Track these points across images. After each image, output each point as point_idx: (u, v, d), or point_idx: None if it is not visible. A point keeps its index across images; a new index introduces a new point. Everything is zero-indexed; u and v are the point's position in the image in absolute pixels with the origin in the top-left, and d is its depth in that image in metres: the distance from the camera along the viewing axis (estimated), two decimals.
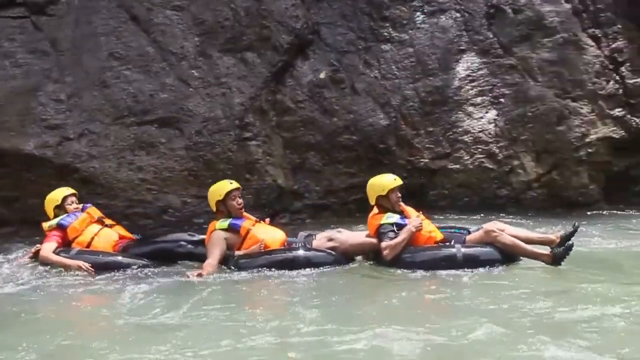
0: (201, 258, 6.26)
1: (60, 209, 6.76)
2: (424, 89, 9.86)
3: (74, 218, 6.65)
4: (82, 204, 6.89)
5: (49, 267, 6.25)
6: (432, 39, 9.92)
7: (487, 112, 9.79)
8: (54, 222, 6.64)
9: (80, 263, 6.19)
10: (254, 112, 9.48)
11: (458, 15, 9.99)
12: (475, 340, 3.74)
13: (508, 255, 5.90)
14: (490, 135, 9.76)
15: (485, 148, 9.74)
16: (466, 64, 9.87)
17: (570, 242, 5.71)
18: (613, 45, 9.76)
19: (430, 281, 5.58)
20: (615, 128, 9.71)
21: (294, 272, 5.86)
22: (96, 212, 6.89)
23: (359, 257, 6.37)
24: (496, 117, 9.78)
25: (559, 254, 5.71)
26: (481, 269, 5.76)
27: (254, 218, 6.52)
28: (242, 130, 9.42)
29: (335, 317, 4.39)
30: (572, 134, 9.69)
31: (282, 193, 9.52)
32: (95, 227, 6.70)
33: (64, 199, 6.80)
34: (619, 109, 9.71)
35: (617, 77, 9.74)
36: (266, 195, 9.31)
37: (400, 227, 6.13)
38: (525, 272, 5.68)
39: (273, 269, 5.91)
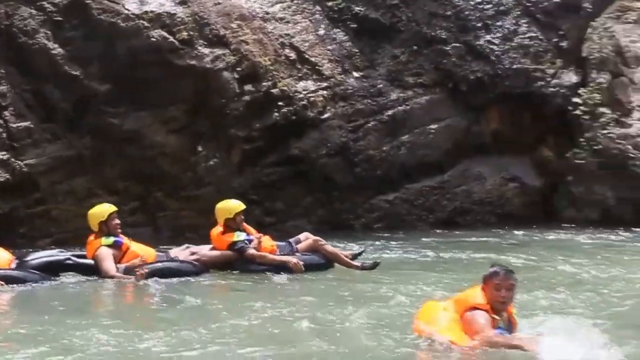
0: (84, 271, 9.28)
1: None
2: None
3: None
4: None
5: None
6: None
7: None
8: None
9: None
10: None
11: None
12: None
13: (330, 262, 9.64)
14: None
15: None
16: None
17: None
18: None
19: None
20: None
21: (174, 280, 8.97)
22: None
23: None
24: None
25: (367, 267, 9.60)
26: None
27: (126, 237, 9.50)
28: None
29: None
30: None
31: None
32: None
33: None
34: (4, 152, 12.24)
35: (1, 121, 12.29)
36: None
37: (250, 241, 9.58)
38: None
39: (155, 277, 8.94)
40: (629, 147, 14.45)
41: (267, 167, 13.38)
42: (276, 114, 13.30)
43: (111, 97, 12.52)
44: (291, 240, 9.95)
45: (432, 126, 14.28)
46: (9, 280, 8.83)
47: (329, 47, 13.99)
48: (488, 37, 14.58)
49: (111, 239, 9.40)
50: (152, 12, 12.76)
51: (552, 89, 14.79)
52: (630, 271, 9.60)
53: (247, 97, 13.13)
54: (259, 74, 13.25)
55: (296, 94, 13.46)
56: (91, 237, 9.56)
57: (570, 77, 14.97)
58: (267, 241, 9.85)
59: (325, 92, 13.72)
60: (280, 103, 13.32)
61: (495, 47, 14.58)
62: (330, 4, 14.15)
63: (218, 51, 13.05)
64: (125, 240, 9.52)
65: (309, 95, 13.58)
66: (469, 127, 14.57)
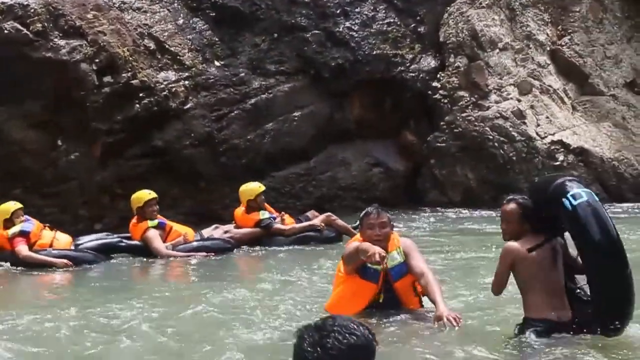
0: (134, 252, 11.13)
1: (9, 221, 10.67)
2: None
3: (31, 227, 10.65)
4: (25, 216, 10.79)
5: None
6: None
7: None
8: (16, 230, 10.56)
9: (65, 260, 10.40)
10: None
11: None
12: None
13: (340, 235, 12.01)
14: None
15: None
16: None
17: None
18: None
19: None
20: None
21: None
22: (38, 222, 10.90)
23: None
24: None
25: None
26: None
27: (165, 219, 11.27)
28: None
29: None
30: None
31: None
32: (49, 232, 10.87)
33: (14, 212, 10.71)
34: None
35: None
36: None
37: (274, 219, 11.76)
38: None
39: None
40: (487, 129, 16.17)
41: (131, 159, 14.28)
42: (137, 105, 14.20)
43: None
44: (301, 217, 12.24)
45: (296, 114, 15.57)
46: (70, 259, 10.55)
47: (189, 37, 15.06)
48: (347, 24, 16.01)
49: (156, 221, 11.16)
50: (3, 3, 13.40)
51: (411, 74, 16.38)
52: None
53: (106, 89, 13.97)
54: (118, 65, 14.12)
55: (157, 84, 14.43)
56: (134, 221, 11.25)
57: (429, 62, 16.61)
58: (288, 219, 12.11)
59: (186, 82, 14.74)
60: (141, 94, 14.23)
61: (354, 34, 16.03)
62: None
63: (74, 42, 13.83)
64: (168, 222, 11.33)
65: (170, 85, 14.58)
66: (332, 113, 15.93)
